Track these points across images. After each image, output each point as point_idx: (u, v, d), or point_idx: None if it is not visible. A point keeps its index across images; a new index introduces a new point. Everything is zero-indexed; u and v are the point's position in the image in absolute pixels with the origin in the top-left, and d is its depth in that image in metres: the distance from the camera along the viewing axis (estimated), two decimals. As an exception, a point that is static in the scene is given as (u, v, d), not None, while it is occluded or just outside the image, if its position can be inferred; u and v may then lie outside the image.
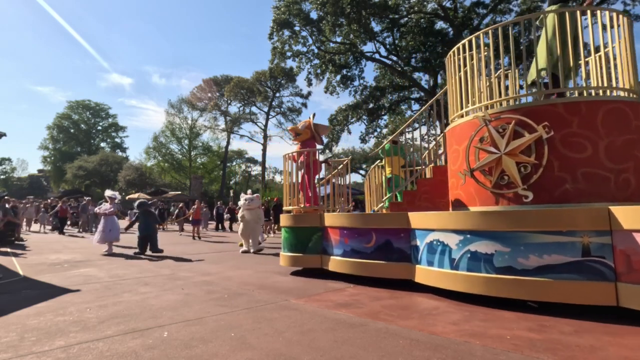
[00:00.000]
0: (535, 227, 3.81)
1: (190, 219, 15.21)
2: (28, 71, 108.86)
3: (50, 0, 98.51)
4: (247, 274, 6.38)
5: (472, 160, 5.11)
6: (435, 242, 4.58)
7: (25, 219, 19.12)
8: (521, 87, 5.58)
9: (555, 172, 4.51)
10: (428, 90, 24.06)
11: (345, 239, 5.66)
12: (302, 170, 6.93)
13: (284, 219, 6.65)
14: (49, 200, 23.15)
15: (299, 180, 7.03)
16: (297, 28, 24.57)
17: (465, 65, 5.54)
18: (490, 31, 5.51)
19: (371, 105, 25.54)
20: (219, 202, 24.64)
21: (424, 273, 4.73)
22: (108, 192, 10.48)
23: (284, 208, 7.25)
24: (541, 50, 5.12)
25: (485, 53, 5.47)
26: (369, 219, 5.59)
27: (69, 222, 19.89)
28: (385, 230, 5.23)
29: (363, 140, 27.38)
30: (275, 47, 25.26)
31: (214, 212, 21.34)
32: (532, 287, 3.75)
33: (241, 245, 10.37)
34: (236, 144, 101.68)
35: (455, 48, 5.76)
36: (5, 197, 13.44)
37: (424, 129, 8.39)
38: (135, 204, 10.18)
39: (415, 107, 27.48)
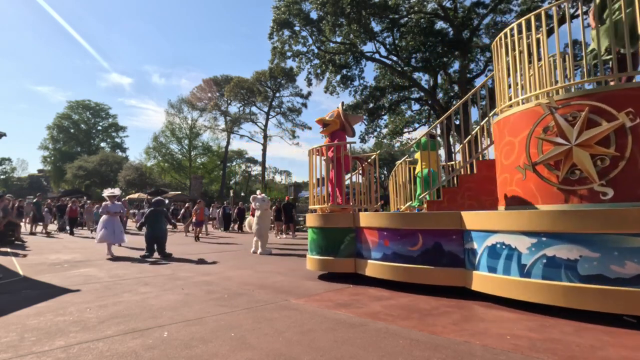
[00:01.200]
0: (633, 229, 3.29)
1: (194, 220, 15.06)
2: (28, 71, 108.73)
3: (50, 0, 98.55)
4: (247, 274, 6.38)
5: (534, 153, 4.50)
6: (499, 246, 4.06)
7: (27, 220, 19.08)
8: (596, 67, 4.79)
9: (639, 166, 3.91)
10: (428, 90, 24.05)
11: (385, 241, 5.13)
12: (330, 166, 6.35)
13: (311, 219, 6.15)
14: (49, 200, 23.03)
15: (328, 176, 6.44)
16: (297, 28, 24.54)
17: (519, 49, 4.95)
18: (554, 8, 4.64)
19: (371, 105, 25.51)
20: (225, 202, 24.45)
21: (483, 280, 4.22)
22: (107, 192, 9.83)
23: (310, 207, 6.67)
24: (608, 27, 4.45)
25: (540, 35, 4.75)
26: (414, 218, 5.14)
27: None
28: (434, 231, 4.71)
29: (363, 140, 27.39)
30: (275, 47, 25.24)
31: (221, 213, 20.83)
32: (629, 299, 3.25)
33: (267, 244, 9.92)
34: (236, 144, 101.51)
35: (507, 29, 5.13)
36: (6, 197, 13.41)
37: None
38: (153, 200, 9.54)
39: (416, 107, 27.51)
